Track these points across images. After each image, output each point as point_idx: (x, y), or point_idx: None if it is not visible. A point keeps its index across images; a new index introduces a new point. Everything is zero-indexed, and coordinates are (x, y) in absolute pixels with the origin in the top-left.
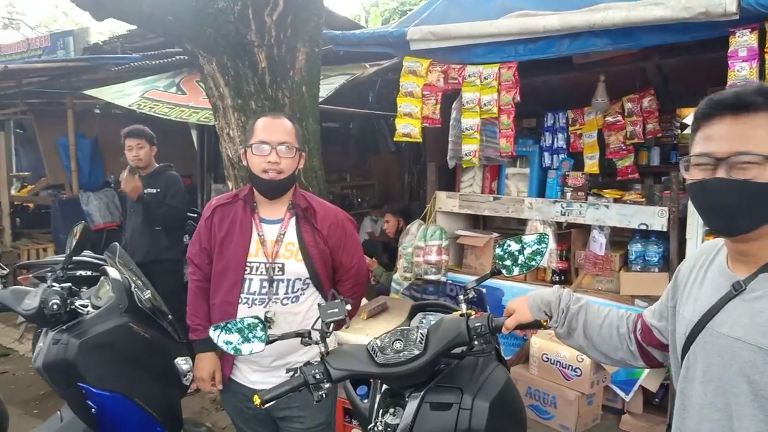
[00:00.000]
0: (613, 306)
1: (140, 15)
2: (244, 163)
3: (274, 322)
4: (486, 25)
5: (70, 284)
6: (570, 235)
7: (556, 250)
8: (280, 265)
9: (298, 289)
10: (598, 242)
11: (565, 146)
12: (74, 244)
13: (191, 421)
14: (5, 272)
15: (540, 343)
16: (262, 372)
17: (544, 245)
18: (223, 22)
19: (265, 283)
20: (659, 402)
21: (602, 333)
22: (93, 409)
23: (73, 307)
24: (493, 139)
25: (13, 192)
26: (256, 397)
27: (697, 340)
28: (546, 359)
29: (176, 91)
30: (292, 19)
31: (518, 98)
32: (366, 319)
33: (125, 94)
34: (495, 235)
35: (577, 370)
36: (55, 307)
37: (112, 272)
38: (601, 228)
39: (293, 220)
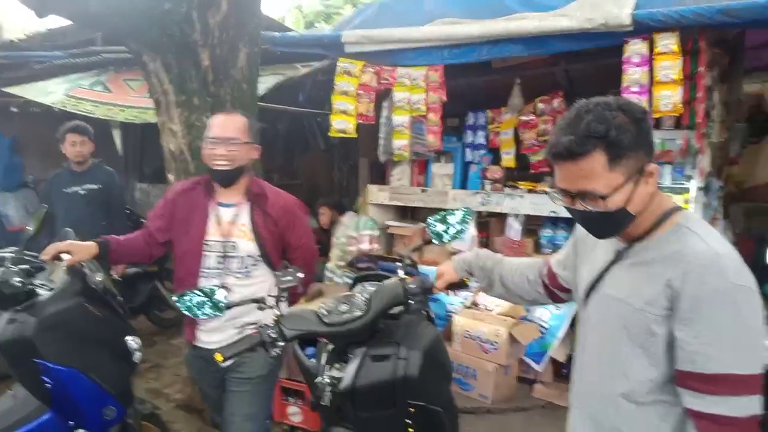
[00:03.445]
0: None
1: (86, 13)
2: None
3: (231, 291)
4: (414, 31)
5: (27, 266)
6: (489, 224)
7: (477, 237)
8: (233, 243)
9: (250, 265)
10: (514, 229)
11: (484, 143)
12: (37, 226)
13: (138, 399)
14: None
15: (462, 321)
16: (212, 332)
17: (467, 218)
18: (169, 22)
19: (220, 259)
20: (567, 372)
21: (515, 281)
22: (48, 385)
23: (31, 286)
24: (421, 136)
25: None
26: (217, 354)
27: (591, 296)
28: (467, 335)
29: (102, 89)
30: (234, 20)
31: (444, 98)
32: (305, 303)
33: (48, 92)
34: (422, 225)
35: (494, 344)
36: (18, 284)
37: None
38: (516, 216)
39: (247, 204)
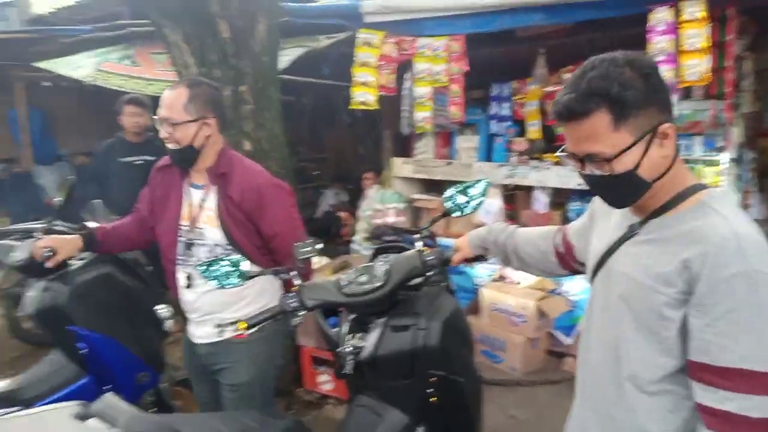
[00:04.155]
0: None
1: None
2: None
3: (196, 281)
4: (434, 0)
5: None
6: (515, 197)
7: (503, 210)
8: (201, 230)
9: (221, 254)
10: (541, 202)
11: (509, 114)
12: (65, 196)
13: (171, 366)
14: None
15: (490, 294)
16: (195, 325)
17: (485, 189)
18: None
19: (189, 246)
20: None
21: (528, 252)
22: (83, 351)
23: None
24: (444, 107)
25: None
26: (241, 323)
27: (599, 272)
28: (495, 308)
29: (130, 63)
30: None
31: (466, 68)
32: (329, 274)
33: (77, 66)
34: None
35: (522, 316)
36: (49, 254)
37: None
38: (542, 189)
39: (216, 187)
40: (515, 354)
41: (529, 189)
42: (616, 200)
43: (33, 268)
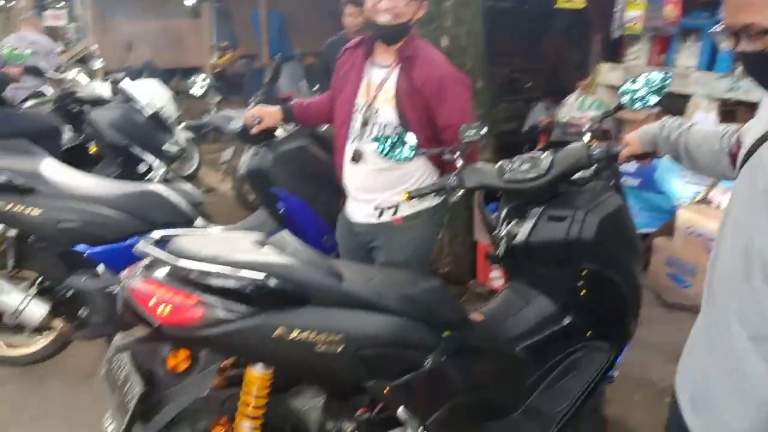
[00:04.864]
0: None
1: None
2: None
3: (363, 158)
4: None
5: None
6: (735, 113)
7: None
8: (376, 109)
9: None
10: None
11: None
12: (271, 75)
13: None
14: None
15: (687, 216)
16: (355, 205)
17: (666, 84)
18: None
19: (363, 124)
20: None
21: (701, 151)
22: (281, 210)
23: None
24: (659, 7)
25: (213, 60)
26: (405, 193)
27: (748, 162)
28: (690, 232)
29: None
30: None
31: None
32: None
33: None
34: (655, 109)
35: None
36: (258, 122)
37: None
38: None
39: (398, 67)
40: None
41: (752, 106)
42: None
43: (247, 136)
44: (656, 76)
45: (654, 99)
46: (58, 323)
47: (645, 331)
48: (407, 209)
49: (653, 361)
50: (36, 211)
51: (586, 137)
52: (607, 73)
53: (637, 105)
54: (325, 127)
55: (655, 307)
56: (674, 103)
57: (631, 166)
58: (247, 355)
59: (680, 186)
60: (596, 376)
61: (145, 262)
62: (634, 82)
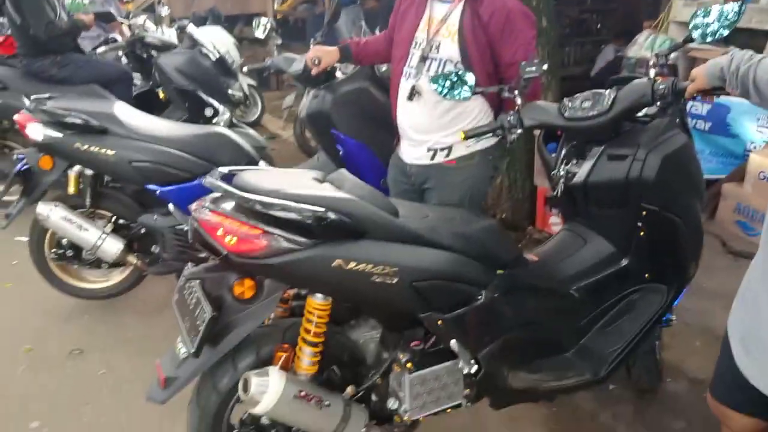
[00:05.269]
0: None
1: None
2: None
3: (420, 95)
4: None
5: None
6: None
7: None
8: (437, 44)
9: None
10: None
11: None
12: (331, 13)
13: None
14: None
15: (759, 160)
16: (408, 146)
17: (737, 16)
18: None
19: (421, 59)
20: None
21: None
22: (340, 152)
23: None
24: None
25: (276, 6)
26: (461, 132)
27: None
28: (762, 177)
29: None
30: None
31: None
32: None
33: None
34: (732, 47)
35: None
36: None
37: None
38: None
39: (462, 3)
40: None
41: None
42: None
43: (308, 78)
44: (731, 6)
45: (725, 32)
46: (132, 259)
47: (708, 278)
48: (460, 150)
49: (715, 308)
50: (110, 152)
51: (651, 72)
52: (681, 9)
53: (709, 39)
54: (384, 68)
55: (721, 254)
56: (754, 41)
57: (703, 109)
58: (308, 284)
59: (753, 129)
60: (652, 318)
61: (213, 195)
62: (706, 15)
